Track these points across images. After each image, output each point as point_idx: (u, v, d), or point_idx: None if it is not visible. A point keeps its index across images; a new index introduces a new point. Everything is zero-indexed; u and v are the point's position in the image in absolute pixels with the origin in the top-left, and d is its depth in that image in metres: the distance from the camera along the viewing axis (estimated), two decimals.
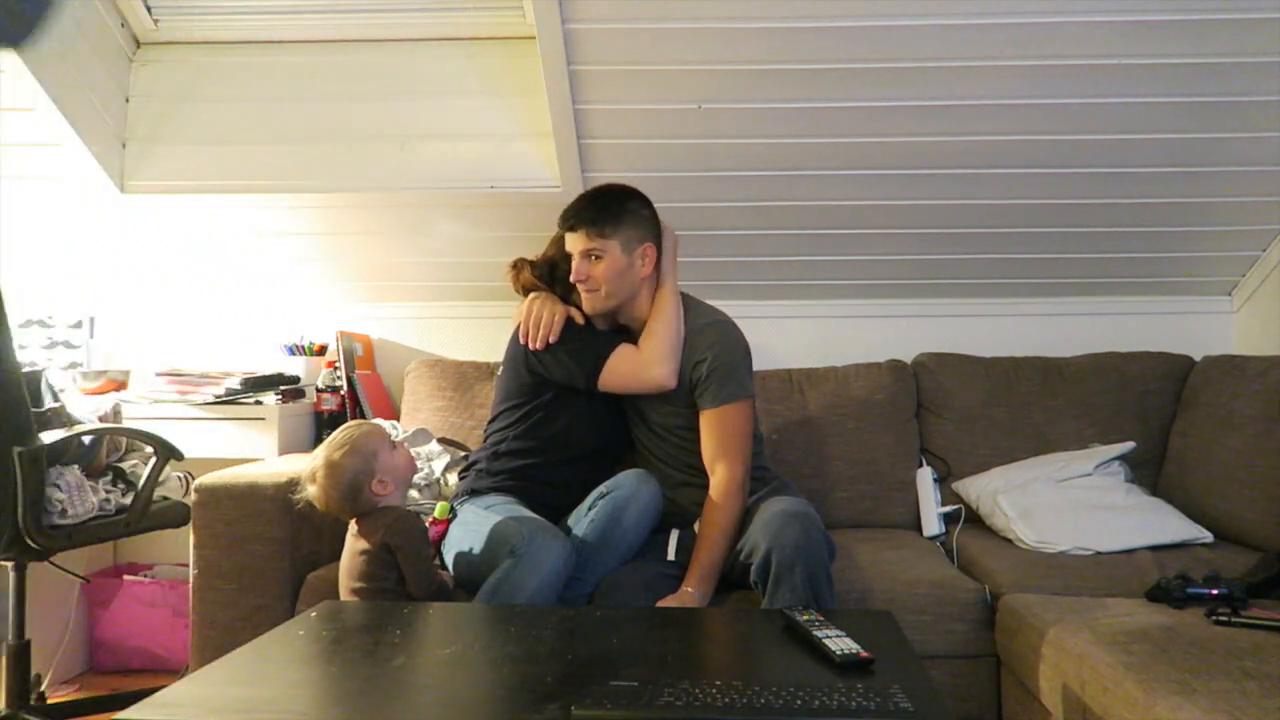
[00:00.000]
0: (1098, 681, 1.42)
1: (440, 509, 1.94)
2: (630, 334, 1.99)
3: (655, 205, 2.00)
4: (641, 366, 1.91)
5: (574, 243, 1.93)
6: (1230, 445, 2.22)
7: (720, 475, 1.87)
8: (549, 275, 2.06)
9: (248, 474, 2.09)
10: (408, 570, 1.73)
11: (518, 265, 2.10)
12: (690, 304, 2.02)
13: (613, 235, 1.90)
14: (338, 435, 1.81)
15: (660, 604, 1.75)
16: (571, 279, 1.94)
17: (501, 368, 2.08)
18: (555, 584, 1.69)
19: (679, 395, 1.93)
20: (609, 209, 1.91)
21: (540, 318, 1.96)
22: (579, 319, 2.00)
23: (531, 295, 2.02)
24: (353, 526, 1.80)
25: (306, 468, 1.81)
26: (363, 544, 1.75)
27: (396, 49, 2.52)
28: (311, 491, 1.79)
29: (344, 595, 1.78)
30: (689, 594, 1.77)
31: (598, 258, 1.90)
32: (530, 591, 1.66)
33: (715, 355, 1.89)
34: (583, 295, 1.95)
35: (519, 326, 2.00)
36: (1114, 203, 2.56)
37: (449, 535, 1.92)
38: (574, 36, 2.14)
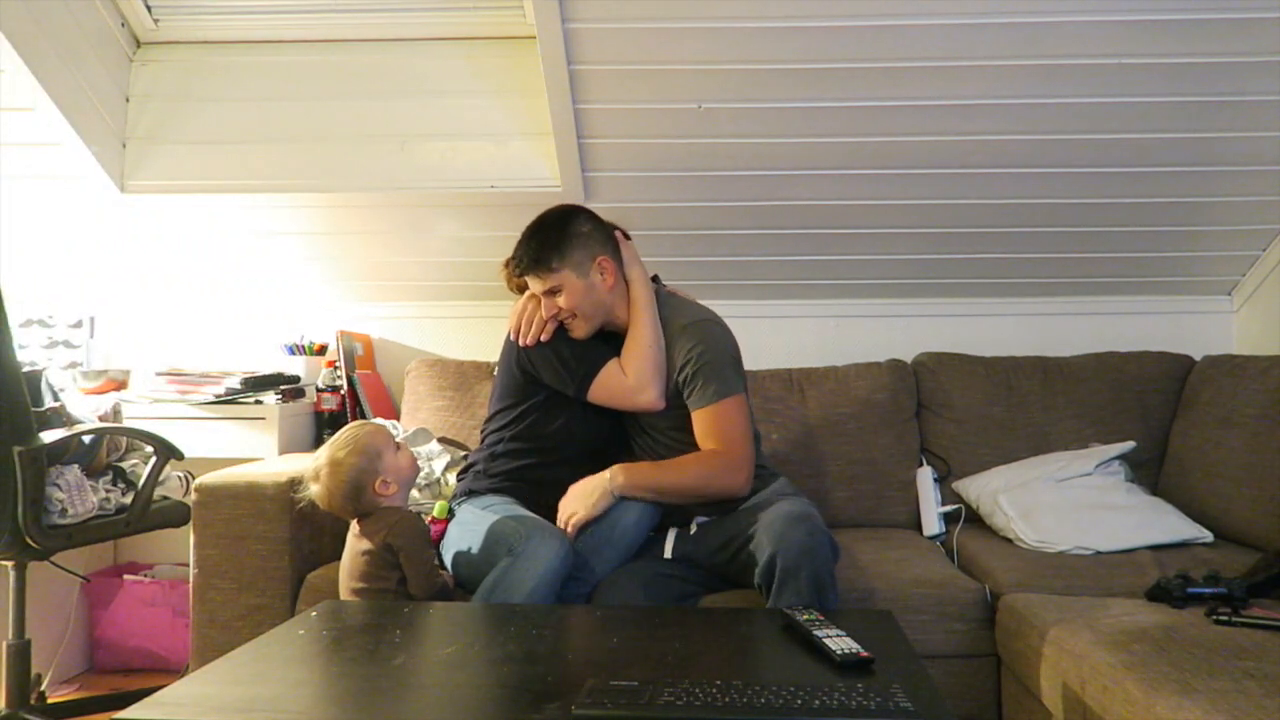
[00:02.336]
0: (1098, 681, 1.42)
1: (439, 508, 1.94)
2: (619, 341, 1.99)
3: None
4: (629, 391, 1.91)
5: (532, 286, 1.94)
6: (1230, 445, 2.22)
7: (712, 448, 1.87)
8: None
9: (248, 474, 2.09)
10: (410, 571, 1.73)
11: (510, 265, 2.09)
12: (673, 303, 2.01)
13: (561, 266, 1.89)
14: (341, 435, 1.81)
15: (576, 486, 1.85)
16: (544, 317, 1.94)
17: (496, 367, 2.08)
18: (553, 583, 1.69)
19: (670, 398, 1.93)
20: (548, 242, 1.90)
21: (534, 316, 1.96)
22: None
23: (528, 293, 2.02)
24: (354, 527, 1.80)
25: (310, 466, 1.81)
26: (365, 544, 1.75)
27: (396, 49, 2.52)
28: (314, 490, 1.78)
29: (344, 595, 1.78)
30: (605, 478, 1.84)
31: (556, 292, 1.91)
32: (528, 590, 1.66)
33: (699, 356, 1.88)
34: (567, 325, 1.96)
35: (511, 326, 2.00)
36: (1114, 202, 2.56)
37: (448, 535, 1.92)
38: (574, 36, 2.14)
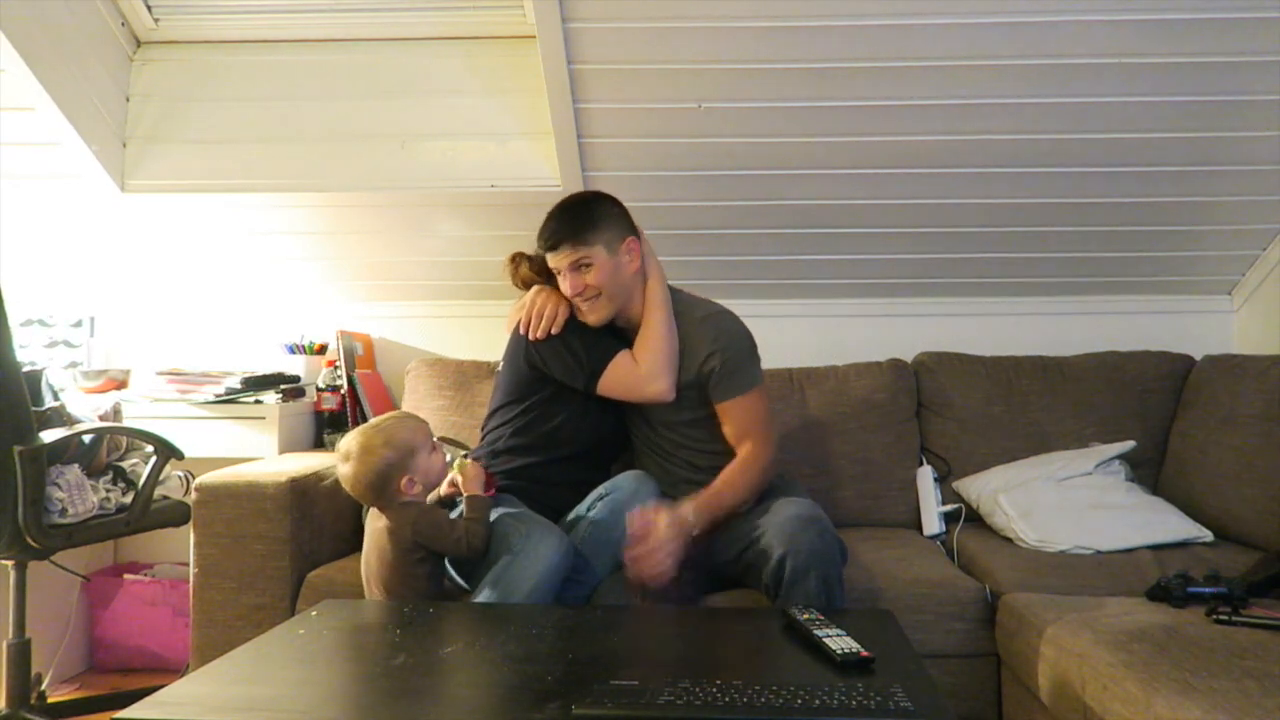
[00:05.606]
0: (1098, 680, 1.42)
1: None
2: (627, 335, 1.99)
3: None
4: (641, 380, 1.91)
5: (559, 260, 1.91)
6: (1230, 444, 2.22)
7: (747, 449, 1.88)
8: (546, 269, 2.05)
9: (248, 473, 2.09)
10: (448, 551, 1.74)
11: (516, 260, 2.09)
12: (683, 298, 2.02)
13: (595, 240, 1.89)
14: (383, 421, 1.79)
15: (649, 508, 1.71)
16: (568, 294, 1.93)
17: (501, 365, 2.07)
18: (553, 580, 1.69)
19: (684, 391, 1.93)
20: (583, 216, 1.90)
21: (544, 309, 1.96)
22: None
23: (535, 288, 2.02)
24: (375, 522, 1.78)
25: (342, 444, 1.77)
26: (392, 544, 1.73)
27: (396, 48, 2.52)
28: (342, 470, 1.76)
29: (373, 593, 1.76)
30: (685, 514, 1.72)
31: (586, 266, 1.89)
32: (528, 588, 1.66)
33: (725, 348, 1.90)
34: (583, 310, 1.94)
35: (520, 320, 2.00)
36: (1114, 202, 2.56)
37: None
38: (574, 35, 2.14)
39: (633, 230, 1.96)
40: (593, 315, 1.94)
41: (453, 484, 1.85)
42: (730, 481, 1.84)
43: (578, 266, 1.90)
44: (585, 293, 1.91)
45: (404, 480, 1.74)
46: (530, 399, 1.99)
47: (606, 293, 1.91)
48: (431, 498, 1.86)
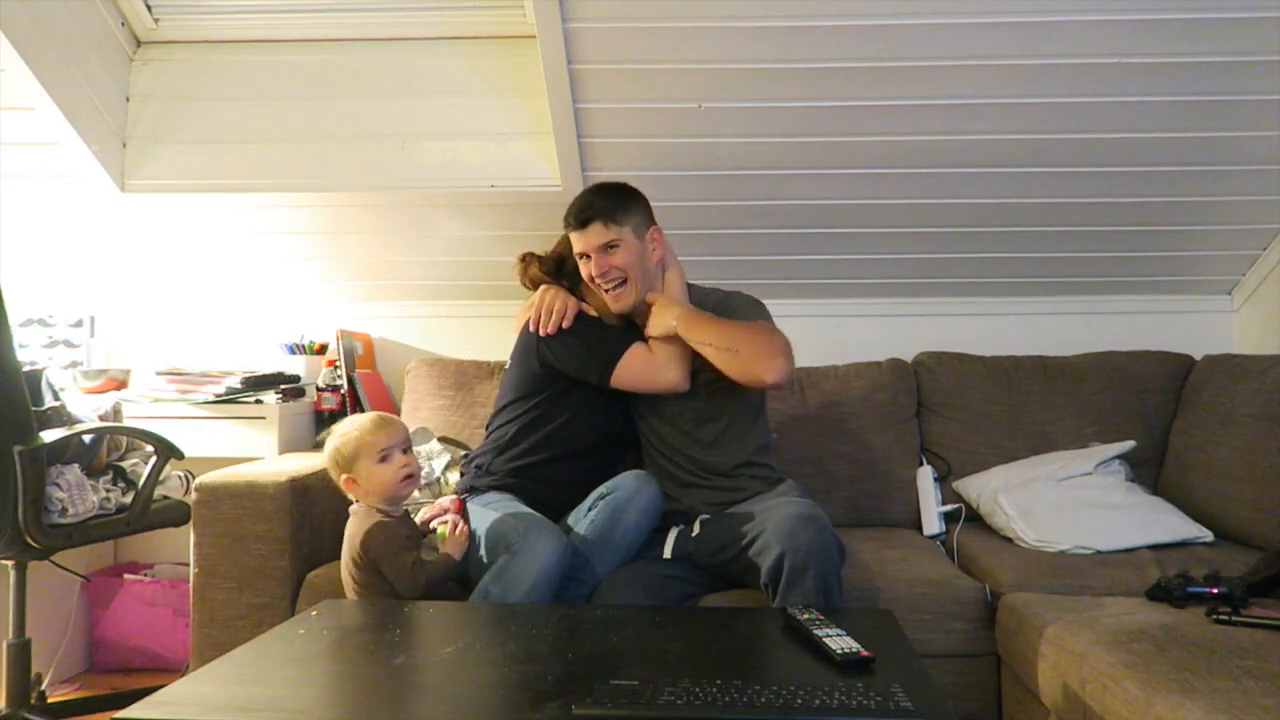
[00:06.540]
0: (1098, 680, 1.42)
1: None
2: (638, 326, 1.99)
3: (655, 204, 2.02)
4: (656, 369, 1.91)
5: (589, 239, 1.91)
6: (1230, 444, 2.22)
7: None
8: (557, 270, 2.05)
9: (248, 473, 2.09)
10: (390, 577, 1.74)
11: (526, 259, 2.10)
12: (701, 288, 2.05)
13: (626, 222, 1.91)
14: (363, 418, 1.83)
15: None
16: (594, 275, 1.92)
17: (509, 363, 2.07)
18: (551, 580, 1.69)
19: (699, 377, 1.93)
20: (616, 197, 1.93)
21: (553, 305, 1.96)
22: (590, 313, 2.00)
23: (544, 287, 2.02)
24: (349, 526, 1.80)
25: (341, 423, 1.87)
26: (350, 550, 1.76)
27: (396, 49, 2.52)
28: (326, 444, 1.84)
29: (348, 592, 1.78)
30: (670, 316, 1.88)
31: (614, 247, 1.90)
32: (526, 587, 1.66)
33: (747, 300, 1.98)
34: (608, 296, 1.94)
35: (529, 318, 2.00)
36: (1114, 202, 2.56)
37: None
38: (574, 35, 2.14)
39: (655, 222, 1.98)
40: (617, 303, 1.94)
41: (428, 524, 1.89)
42: (740, 322, 1.89)
43: (606, 248, 1.90)
44: (610, 274, 1.91)
45: (344, 479, 1.79)
46: (538, 396, 1.98)
47: (632, 277, 1.92)
48: (417, 515, 1.88)
